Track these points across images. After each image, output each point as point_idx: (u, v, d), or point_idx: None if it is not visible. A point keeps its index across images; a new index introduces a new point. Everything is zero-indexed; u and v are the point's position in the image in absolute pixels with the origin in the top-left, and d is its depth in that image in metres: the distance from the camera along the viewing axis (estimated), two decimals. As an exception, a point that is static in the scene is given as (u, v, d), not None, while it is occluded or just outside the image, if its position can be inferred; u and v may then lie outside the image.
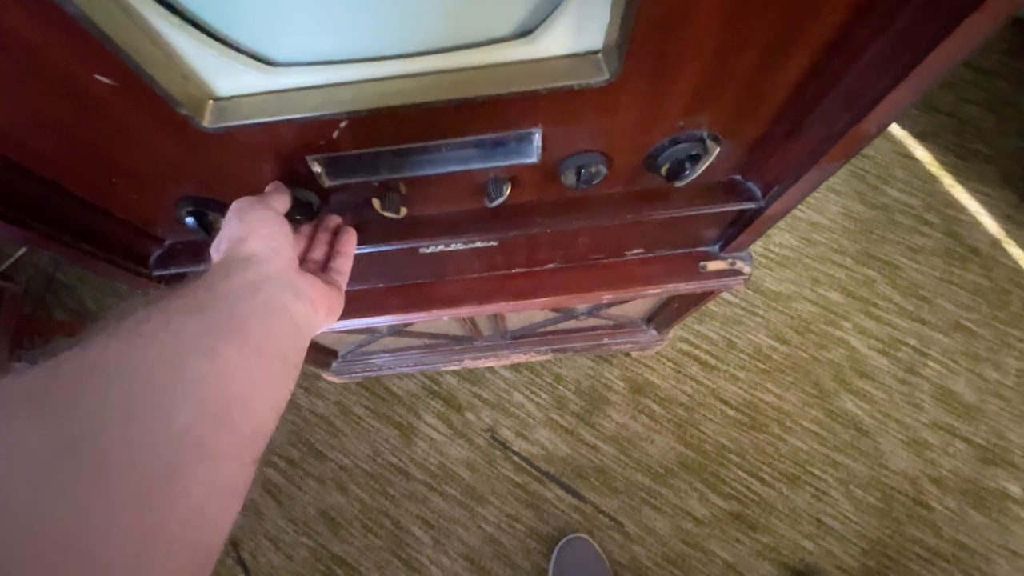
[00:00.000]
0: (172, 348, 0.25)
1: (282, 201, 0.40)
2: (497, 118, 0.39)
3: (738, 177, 0.52)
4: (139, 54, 0.30)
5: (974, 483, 1.07)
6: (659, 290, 0.67)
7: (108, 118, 0.35)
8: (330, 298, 0.39)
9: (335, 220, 0.47)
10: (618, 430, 1.15)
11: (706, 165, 0.44)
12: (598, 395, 1.18)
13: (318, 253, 0.44)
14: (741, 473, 1.11)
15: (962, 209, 1.30)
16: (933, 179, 1.33)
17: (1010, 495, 1.06)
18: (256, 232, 0.35)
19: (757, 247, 1.27)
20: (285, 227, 0.37)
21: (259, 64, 0.34)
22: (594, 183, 0.48)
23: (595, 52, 0.35)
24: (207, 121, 0.35)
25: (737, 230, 0.59)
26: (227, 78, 0.35)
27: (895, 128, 1.38)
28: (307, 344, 0.36)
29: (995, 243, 1.26)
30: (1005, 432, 1.11)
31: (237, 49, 0.33)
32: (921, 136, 1.37)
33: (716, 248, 0.65)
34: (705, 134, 0.43)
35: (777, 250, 1.28)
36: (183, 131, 0.37)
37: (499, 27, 0.34)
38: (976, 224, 1.28)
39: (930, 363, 1.17)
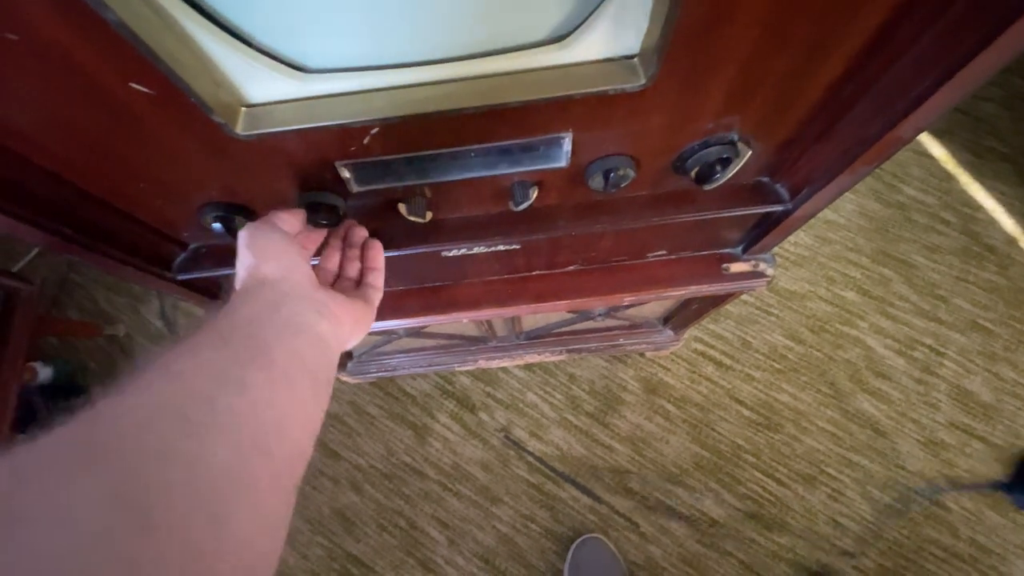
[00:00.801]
0: (202, 384, 0.25)
1: (290, 221, 0.39)
2: (528, 123, 0.39)
3: (766, 179, 0.52)
4: (175, 61, 0.29)
5: (991, 483, 1.06)
6: (681, 292, 0.66)
7: (140, 125, 0.35)
8: (355, 311, 0.38)
9: (361, 234, 0.47)
10: (633, 430, 1.15)
11: (737, 168, 0.44)
12: (612, 395, 1.18)
13: (351, 271, 0.44)
14: (756, 473, 1.10)
15: (978, 207, 1.28)
16: (949, 177, 1.31)
17: (1029, 495, 1.05)
18: (267, 255, 0.35)
19: (771, 246, 1.26)
20: (294, 245, 0.37)
21: (291, 70, 0.34)
22: (621, 186, 0.47)
23: (631, 56, 0.34)
24: (240, 128, 0.35)
25: (762, 232, 0.58)
26: (259, 85, 0.35)
27: (911, 125, 1.37)
28: (336, 359, 0.35)
29: (1012, 241, 1.25)
30: (1022, 431, 1.10)
31: (269, 55, 0.33)
32: (937, 134, 1.35)
33: (739, 250, 0.65)
34: (736, 137, 0.43)
35: (792, 249, 1.27)
36: (214, 138, 0.36)
37: (534, 32, 0.34)
38: (992, 222, 1.27)
39: (947, 363, 1.16)
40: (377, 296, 0.43)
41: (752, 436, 1.13)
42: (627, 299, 0.67)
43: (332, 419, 1.21)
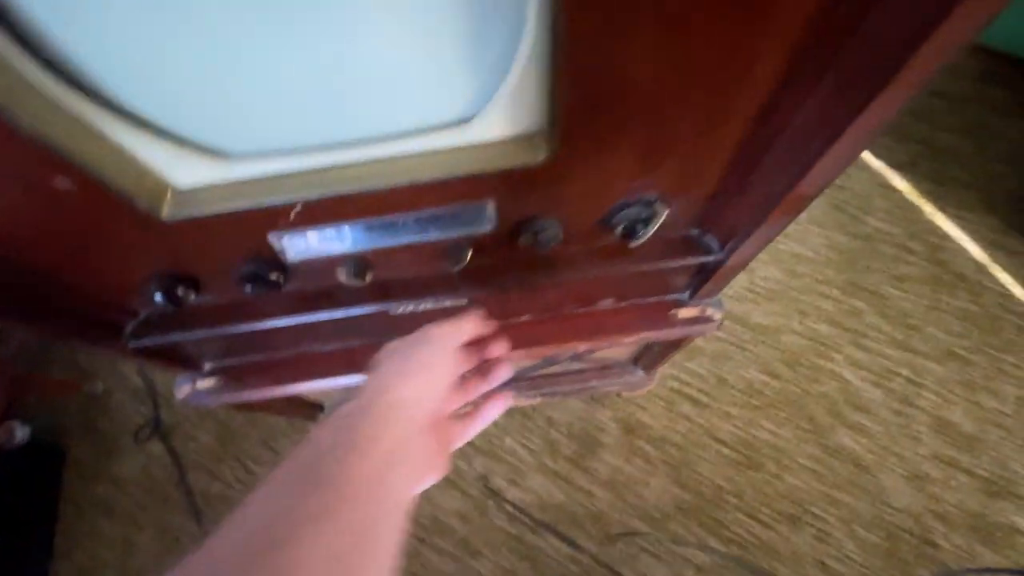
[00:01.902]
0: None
1: (474, 329, 0.37)
2: (448, 194, 0.41)
3: (696, 231, 0.53)
4: (93, 159, 0.32)
5: (981, 517, 1.04)
6: (633, 338, 0.67)
7: (72, 213, 0.37)
8: (444, 463, 0.34)
9: (501, 374, 0.42)
10: (612, 474, 1.14)
11: (656, 226, 0.46)
12: (591, 438, 1.17)
13: (466, 398, 0.39)
14: (740, 515, 1.08)
15: (945, 236, 1.31)
16: (913, 208, 1.34)
17: (1019, 529, 1.03)
18: (419, 374, 0.32)
19: (742, 281, 1.28)
20: (448, 377, 0.34)
21: (214, 156, 0.36)
22: (552, 245, 0.49)
23: (532, 134, 0.37)
24: (166, 213, 0.37)
25: (703, 279, 0.60)
26: (183, 171, 0.37)
27: (871, 159, 1.41)
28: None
29: (981, 268, 1.26)
30: (1008, 462, 1.08)
31: (191, 144, 0.35)
32: (898, 166, 1.39)
33: (686, 295, 0.66)
34: (654, 197, 0.45)
35: (762, 283, 1.28)
36: (145, 221, 0.38)
37: (440, 115, 0.36)
38: (960, 250, 1.29)
39: (925, 393, 1.16)
40: (458, 443, 0.37)
41: (733, 476, 1.11)
42: (582, 347, 0.68)
43: (309, 472, 1.19)
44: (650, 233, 0.46)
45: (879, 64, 0.28)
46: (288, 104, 0.34)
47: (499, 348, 0.43)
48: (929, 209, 1.34)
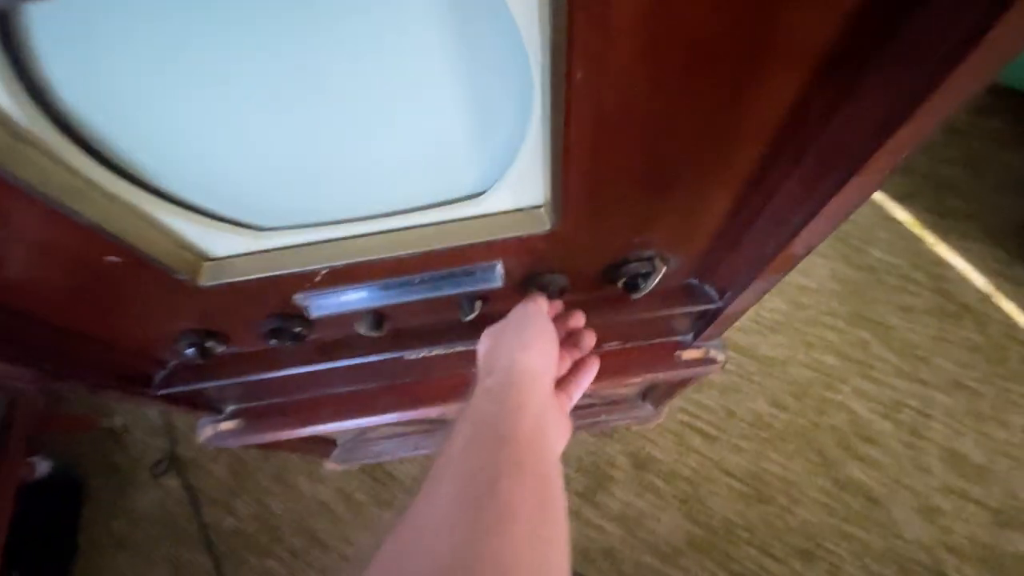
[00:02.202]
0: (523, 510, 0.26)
1: (546, 303, 0.43)
2: (462, 257, 0.44)
3: (695, 281, 0.56)
4: (139, 239, 0.35)
5: (992, 549, 1.03)
6: (638, 379, 0.69)
7: (118, 283, 0.41)
8: (568, 425, 0.39)
9: (590, 342, 0.46)
10: (623, 509, 1.14)
11: (656, 281, 0.48)
12: (601, 472, 1.17)
13: (563, 367, 0.43)
14: (751, 550, 1.07)
15: (948, 267, 1.32)
16: (916, 239, 1.36)
17: (1036, 564, 1.01)
18: (535, 344, 0.37)
19: (748, 313, 1.29)
20: (557, 344, 0.40)
21: (246, 230, 0.40)
22: (560, 295, 0.52)
23: (538, 206, 0.40)
24: (202, 280, 0.40)
25: (705, 323, 0.62)
26: (219, 244, 0.40)
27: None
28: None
29: (985, 299, 1.27)
30: (1019, 492, 1.07)
31: (228, 221, 0.39)
32: (900, 198, 1.42)
33: (690, 337, 0.68)
34: (652, 254, 0.48)
35: (768, 315, 1.30)
36: (181, 287, 0.41)
37: (454, 191, 0.39)
38: (964, 281, 1.30)
39: (934, 424, 1.15)
40: (568, 408, 0.42)
41: (744, 510, 1.11)
42: (588, 388, 0.70)
43: (320, 506, 1.20)
44: (650, 287, 0.49)
45: (852, 152, 0.31)
46: (316, 183, 0.38)
47: (579, 318, 0.48)
48: (931, 240, 1.36)
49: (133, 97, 0.29)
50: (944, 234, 1.36)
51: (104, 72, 0.27)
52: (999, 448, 1.12)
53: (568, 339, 0.46)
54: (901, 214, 1.39)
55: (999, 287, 1.28)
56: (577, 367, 0.44)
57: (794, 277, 1.33)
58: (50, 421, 1.27)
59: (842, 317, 1.28)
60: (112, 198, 0.33)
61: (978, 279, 1.30)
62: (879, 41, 0.27)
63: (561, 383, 0.42)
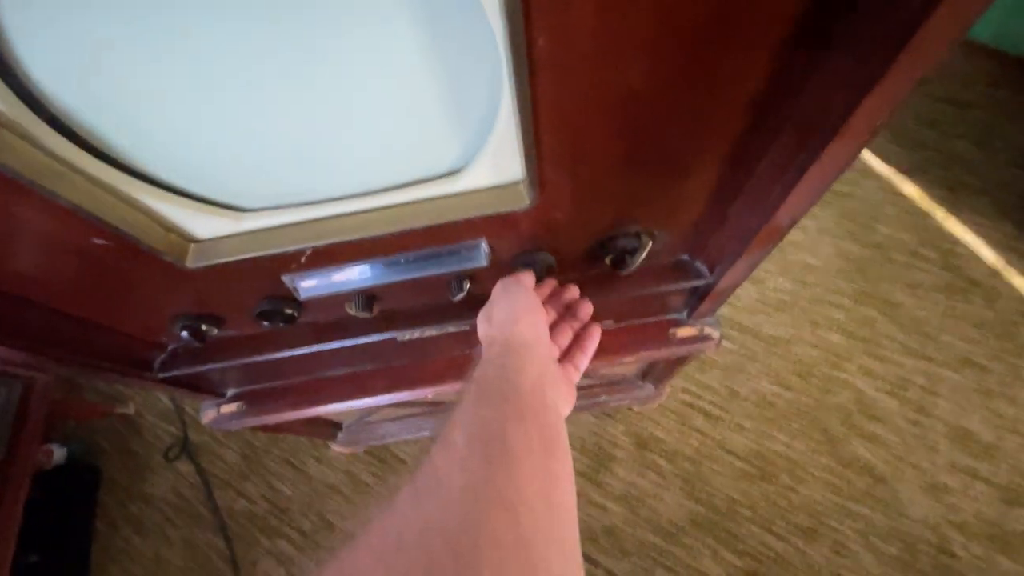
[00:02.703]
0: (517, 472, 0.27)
1: (531, 280, 0.44)
2: (445, 235, 0.44)
3: (686, 257, 0.56)
4: (124, 221, 0.36)
5: (1000, 527, 1.02)
6: (633, 358, 0.69)
7: (109, 266, 0.41)
8: (572, 393, 0.40)
9: (587, 311, 0.47)
10: (626, 488, 1.15)
11: (643, 256, 0.48)
12: (603, 452, 1.18)
13: (563, 339, 0.44)
14: (754, 528, 1.08)
15: (957, 242, 1.29)
16: (924, 214, 1.33)
17: (1043, 540, 1.01)
18: (523, 318, 0.38)
19: (752, 292, 1.29)
20: (544, 313, 0.41)
21: (230, 211, 0.40)
22: (546, 273, 0.52)
23: (517, 183, 0.40)
24: (189, 262, 0.41)
25: (698, 299, 0.62)
26: (204, 226, 0.41)
27: (881, 166, 1.40)
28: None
29: (995, 274, 1.25)
30: (1030, 472, 1.06)
31: (210, 202, 0.39)
32: (908, 172, 1.39)
33: (684, 315, 0.68)
34: (638, 230, 0.47)
35: (773, 294, 1.28)
36: (171, 269, 0.42)
37: (432, 168, 0.39)
38: (974, 256, 1.27)
39: (941, 402, 1.14)
40: (576, 377, 0.43)
41: (747, 488, 1.11)
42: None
43: (328, 489, 1.23)
44: (638, 263, 0.49)
45: (828, 118, 0.30)
46: (296, 164, 0.38)
47: (574, 291, 0.49)
48: (940, 215, 1.33)
49: (111, 80, 0.29)
50: (954, 209, 1.33)
51: (81, 56, 0.27)
52: (1007, 425, 1.11)
53: (566, 312, 0.47)
54: (909, 189, 1.36)
55: (1009, 262, 1.25)
56: (579, 337, 0.45)
57: (800, 255, 1.31)
58: (65, 409, 1.30)
59: (848, 295, 1.26)
60: (95, 181, 0.34)
61: (988, 254, 1.27)
62: (847, 3, 0.26)
63: (566, 355, 0.43)
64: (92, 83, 0.29)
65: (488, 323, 0.41)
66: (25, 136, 0.30)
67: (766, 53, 0.29)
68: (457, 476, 0.27)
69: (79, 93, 0.30)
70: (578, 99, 0.31)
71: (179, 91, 0.31)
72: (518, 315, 0.39)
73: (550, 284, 0.49)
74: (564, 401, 0.38)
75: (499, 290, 0.42)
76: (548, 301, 0.47)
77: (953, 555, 1.01)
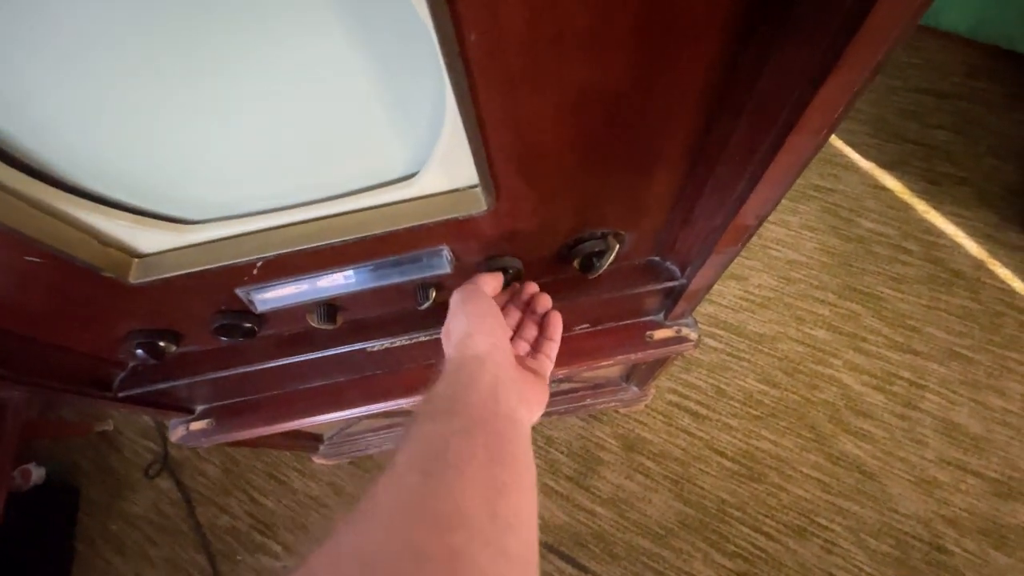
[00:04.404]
0: (469, 488, 0.26)
1: (492, 284, 0.42)
2: (404, 242, 0.43)
3: (656, 258, 0.55)
4: (57, 239, 0.34)
5: (993, 521, 1.01)
6: (611, 361, 0.68)
7: (50, 284, 0.39)
8: (539, 392, 0.39)
9: (545, 303, 0.47)
10: (614, 492, 1.13)
11: (611, 259, 0.47)
12: (591, 456, 1.17)
13: (529, 334, 0.44)
14: (744, 528, 1.07)
15: (940, 234, 1.29)
16: (907, 207, 1.33)
17: (1033, 532, 1.00)
18: (479, 327, 0.37)
19: (735, 290, 1.28)
20: (500, 316, 0.40)
21: (174, 224, 0.38)
22: (514, 279, 0.50)
23: (474, 186, 0.38)
24: (132, 278, 0.39)
25: (672, 301, 0.61)
26: (147, 240, 0.39)
27: (861, 160, 1.40)
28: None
29: (979, 265, 1.25)
30: (1018, 462, 1.06)
31: (153, 215, 0.37)
32: (889, 166, 1.39)
33: (661, 316, 0.67)
34: (604, 232, 0.46)
35: (757, 291, 1.28)
36: (116, 285, 0.40)
37: (385, 174, 0.38)
38: (957, 247, 1.27)
39: (928, 395, 1.14)
40: (549, 367, 0.43)
41: (736, 488, 1.10)
42: (561, 372, 0.69)
43: (312, 501, 1.21)
44: (605, 266, 0.47)
45: (784, 112, 0.29)
46: (241, 173, 0.36)
47: (530, 287, 0.48)
48: (922, 207, 1.33)
49: (38, 94, 0.28)
50: (935, 201, 1.33)
51: (6, 73, 0.26)
52: (996, 417, 1.10)
53: (527, 307, 0.47)
54: (891, 182, 1.36)
55: (992, 253, 1.25)
56: (542, 326, 0.45)
57: (783, 252, 1.31)
58: (42, 427, 1.27)
59: (832, 290, 1.26)
60: (20, 196, 0.32)
61: (971, 245, 1.27)
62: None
63: (534, 346, 0.44)
64: (17, 98, 0.28)
65: (447, 338, 0.40)
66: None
67: (714, 42, 0.28)
68: (393, 495, 0.26)
69: (4, 105, 0.28)
70: (521, 100, 0.29)
71: (114, 100, 0.29)
72: (472, 326, 0.38)
73: (510, 289, 0.48)
74: (528, 404, 0.37)
75: (456, 300, 0.40)
76: (510, 302, 0.47)
77: (946, 551, 1.00)
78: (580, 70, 0.28)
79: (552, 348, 0.44)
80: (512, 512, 0.27)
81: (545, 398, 0.40)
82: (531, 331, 0.45)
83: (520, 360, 0.41)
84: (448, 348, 0.39)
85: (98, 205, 0.35)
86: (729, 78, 0.30)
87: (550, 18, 0.24)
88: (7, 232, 0.32)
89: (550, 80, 0.28)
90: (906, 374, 1.16)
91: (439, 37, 0.24)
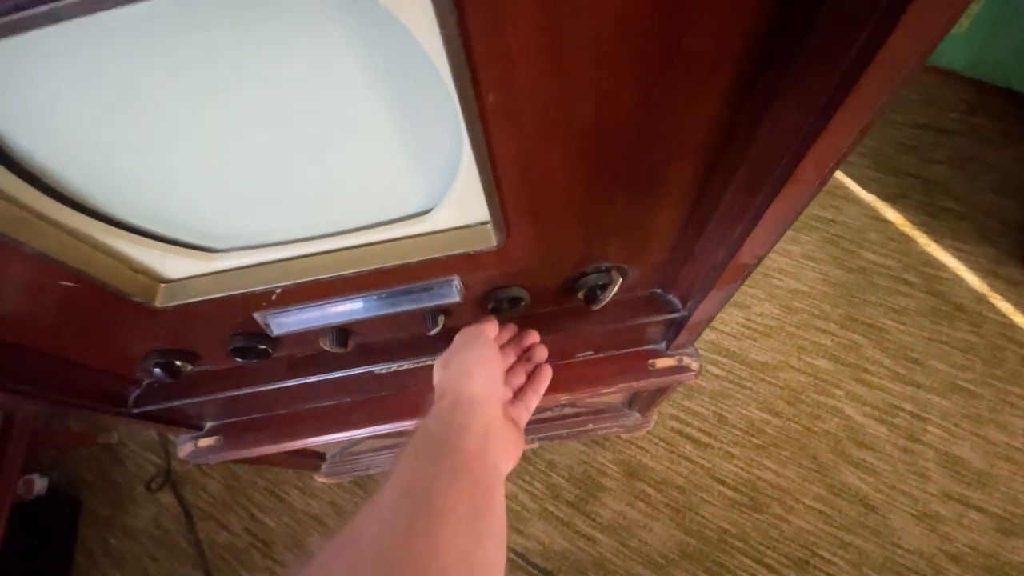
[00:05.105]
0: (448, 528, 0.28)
1: (494, 330, 0.44)
2: (417, 273, 0.45)
3: (659, 291, 0.56)
4: (91, 266, 0.36)
5: (996, 558, 1.00)
6: (612, 389, 0.69)
7: (78, 306, 0.41)
8: (517, 442, 0.40)
9: (542, 355, 0.49)
10: (615, 518, 1.13)
11: (614, 292, 0.49)
12: (592, 481, 1.17)
13: (516, 381, 0.45)
14: (746, 560, 1.06)
15: (941, 267, 1.31)
16: (907, 239, 1.35)
17: (1038, 571, 0.99)
18: (480, 370, 0.39)
19: (738, 318, 1.29)
20: (501, 365, 0.41)
21: (201, 253, 0.40)
22: (521, 307, 0.52)
23: (485, 223, 0.40)
24: (158, 302, 0.41)
25: (674, 332, 0.62)
26: (174, 267, 0.41)
27: (862, 192, 1.43)
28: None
29: (980, 299, 1.26)
30: (1021, 498, 1.05)
31: (181, 244, 0.40)
32: (890, 198, 1.41)
33: (663, 345, 0.68)
34: (608, 266, 0.48)
35: (759, 319, 1.29)
36: (141, 308, 0.42)
37: (401, 209, 0.40)
38: (958, 281, 1.29)
39: (931, 428, 1.14)
40: (526, 418, 0.44)
41: (737, 518, 1.09)
42: (563, 399, 0.70)
43: (312, 520, 1.20)
44: (608, 298, 0.49)
45: (779, 164, 0.31)
46: (267, 206, 0.38)
47: (532, 336, 0.50)
48: (923, 240, 1.34)
49: (76, 130, 0.30)
50: (936, 235, 1.35)
51: (45, 108, 0.28)
52: (999, 452, 1.10)
53: (523, 355, 0.49)
54: (892, 215, 1.38)
55: (993, 287, 1.26)
56: (531, 377, 0.47)
57: (785, 281, 1.32)
58: (48, 438, 1.28)
59: (834, 320, 1.27)
60: (59, 226, 0.34)
61: (972, 279, 1.28)
62: (789, 53, 0.27)
63: (517, 394, 0.45)
64: (58, 133, 0.30)
65: (444, 370, 0.41)
66: (-10, 184, 0.31)
67: (715, 97, 0.30)
68: (375, 533, 0.27)
69: (44, 142, 0.30)
70: (533, 148, 0.31)
71: (148, 139, 0.31)
72: (472, 367, 0.39)
73: (511, 329, 0.50)
74: (510, 454, 0.38)
75: (460, 340, 0.42)
76: (508, 345, 0.48)
77: (947, 586, 0.99)
78: (587, 120, 0.30)
79: (533, 400, 0.45)
80: (487, 562, 0.28)
81: (521, 449, 0.40)
82: (519, 378, 0.46)
83: (503, 405, 0.42)
84: (443, 380, 0.40)
85: (132, 234, 0.37)
86: (729, 129, 0.32)
87: (561, 80, 0.26)
88: (44, 258, 0.34)
89: (559, 130, 0.30)
90: (908, 406, 1.16)
91: (459, 95, 0.26)
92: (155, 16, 0.23)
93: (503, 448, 0.37)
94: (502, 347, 0.47)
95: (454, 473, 0.31)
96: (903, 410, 1.16)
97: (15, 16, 0.19)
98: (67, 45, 0.24)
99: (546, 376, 0.47)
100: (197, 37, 0.25)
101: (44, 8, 0.19)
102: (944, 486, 1.08)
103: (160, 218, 0.37)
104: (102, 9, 0.20)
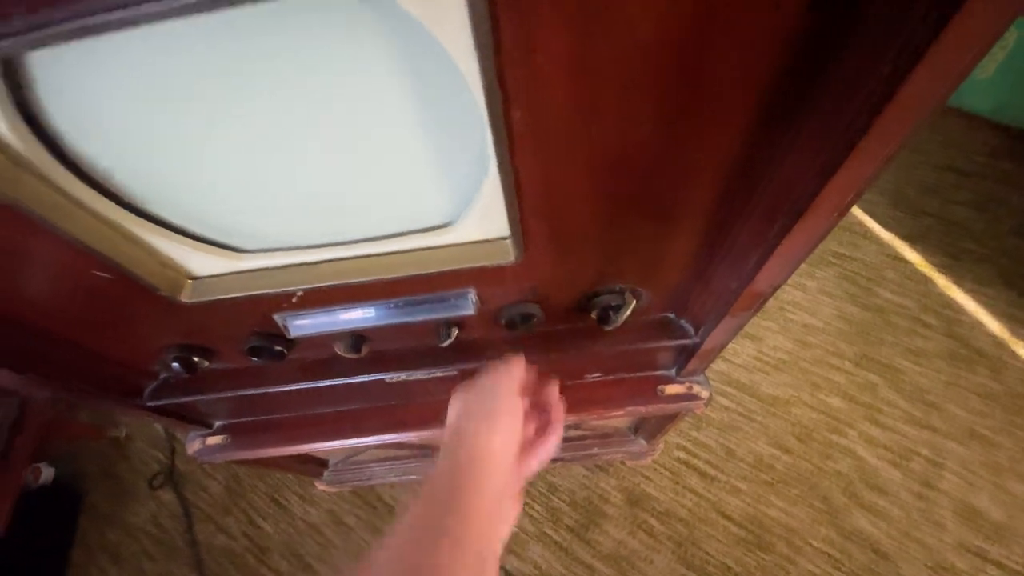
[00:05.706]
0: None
1: (521, 374, 0.42)
2: (434, 284, 0.46)
3: (672, 316, 0.56)
4: (127, 258, 0.37)
5: (1014, 618, 0.96)
6: (621, 412, 0.69)
7: (106, 297, 0.43)
8: (519, 504, 0.40)
9: (555, 394, 0.46)
10: (615, 547, 1.10)
11: (627, 314, 0.49)
12: (594, 507, 1.15)
13: (528, 430, 0.43)
14: (749, 600, 1.03)
15: (960, 310, 1.29)
16: (926, 280, 1.33)
17: (1059, 634, 0.95)
18: (499, 423, 0.38)
19: (750, 350, 1.28)
20: (521, 421, 0.39)
21: (229, 252, 0.42)
22: (533, 325, 0.52)
23: (504, 238, 0.41)
24: (184, 297, 0.43)
25: (685, 358, 0.62)
26: (202, 264, 0.42)
27: (881, 230, 1.42)
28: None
29: (1001, 344, 1.23)
30: (1042, 556, 1.01)
31: (211, 242, 0.41)
32: (909, 238, 1.40)
33: (673, 371, 0.68)
34: (622, 287, 0.48)
35: (771, 353, 1.27)
36: (166, 303, 0.44)
37: (424, 220, 0.41)
38: (978, 325, 1.26)
39: (947, 475, 1.10)
40: (534, 469, 0.42)
41: (742, 556, 1.07)
42: (570, 420, 0.70)
43: (310, 528, 1.20)
44: (622, 319, 0.49)
45: (797, 197, 0.31)
46: (295, 211, 0.40)
47: (553, 391, 0.47)
48: (943, 282, 1.33)
49: (125, 129, 0.32)
50: (956, 276, 1.33)
51: (98, 107, 0.30)
52: (1019, 504, 1.06)
53: (537, 403, 0.46)
54: (911, 255, 1.37)
55: (1014, 332, 1.23)
56: (540, 437, 0.44)
57: (800, 315, 1.31)
58: (59, 428, 1.30)
59: (849, 358, 1.25)
60: (100, 218, 0.36)
61: (992, 324, 1.26)
62: (810, 89, 0.28)
63: (523, 449, 0.41)
64: (106, 131, 0.32)
65: (465, 410, 0.40)
66: (39, 174, 0.32)
67: (735, 133, 0.31)
68: None
69: (93, 139, 0.32)
70: (556, 168, 0.32)
71: (188, 143, 0.33)
72: (497, 419, 0.38)
73: (534, 370, 0.46)
74: (510, 521, 0.38)
75: (487, 381, 0.40)
76: (529, 387, 0.45)
77: (960, 644, 0.95)
78: (610, 144, 0.31)
79: (536, 464, 0.42)
80: None
81: (518, 512, 0.40)
82: (530, 429, 0.44)
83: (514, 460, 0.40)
84: (461, 418, 0.39)
85: (166, 230, 0.38)
86: (749, 159, 0.33)
87: (588, 106, 0.27)
88: (85, 248, 0.35)
89: (581, 155, 0.31)
90: (924, 451, 1.13)
91: (489, 112, 0.27)
92: (207, 23, 0.25)
93: (509, 509, 0.37)
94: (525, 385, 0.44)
95: (460, 539, 0.32)
96: (918, 454, 1.13)
97: (96, 19, 0.21)
98: (121, 46, 0.26)
99: (553, 441, 0.44)
100: (247, 44, 0.26)
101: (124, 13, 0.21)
102: (961, 537, 1.04)
103: (195, 217, 0.39)
104: (179, 15, 0.21)
